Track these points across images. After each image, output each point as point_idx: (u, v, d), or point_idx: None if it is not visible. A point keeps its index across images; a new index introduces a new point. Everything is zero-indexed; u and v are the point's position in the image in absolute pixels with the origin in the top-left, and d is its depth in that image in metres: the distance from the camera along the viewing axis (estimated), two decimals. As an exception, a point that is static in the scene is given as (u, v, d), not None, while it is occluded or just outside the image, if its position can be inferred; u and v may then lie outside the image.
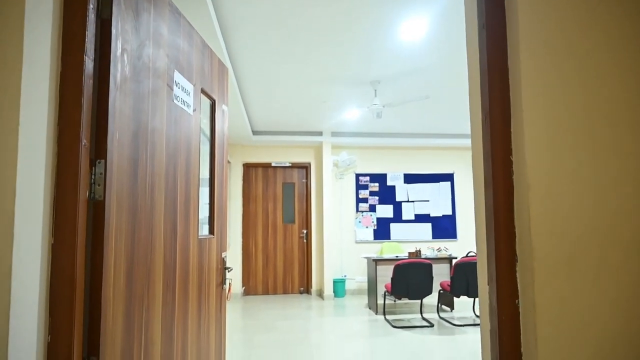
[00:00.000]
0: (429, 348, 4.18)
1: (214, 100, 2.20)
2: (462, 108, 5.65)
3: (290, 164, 7.27)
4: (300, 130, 6.80)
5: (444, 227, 7.44)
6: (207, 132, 2.21)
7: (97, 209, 1.23)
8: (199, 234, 1.96)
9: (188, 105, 1.84)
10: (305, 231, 7.27)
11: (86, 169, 1.18)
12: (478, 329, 4.90)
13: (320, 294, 7.00)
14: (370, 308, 5.99)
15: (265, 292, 7.13)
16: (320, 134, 6.91)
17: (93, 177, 1.22)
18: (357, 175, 7.35)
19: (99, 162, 1.24)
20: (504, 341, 1.20)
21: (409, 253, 5.87)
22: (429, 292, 5.08)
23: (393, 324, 5.08)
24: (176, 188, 1.72)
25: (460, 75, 4.45)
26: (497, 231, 1.22)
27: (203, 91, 2.03)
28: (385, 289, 5.39)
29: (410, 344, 4.28)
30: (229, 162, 6.68)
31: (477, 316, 5.49)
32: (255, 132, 6.77)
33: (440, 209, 7.45)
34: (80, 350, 1.14)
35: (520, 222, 1.21)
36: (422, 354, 3.98)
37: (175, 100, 1.71)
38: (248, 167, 7.26)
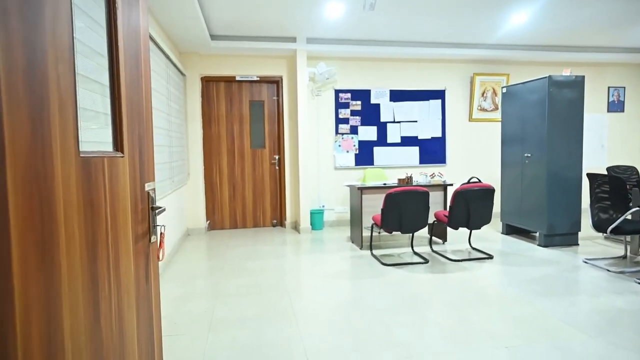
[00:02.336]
0: (428, 289, 3.52)
1: None
2: (467, 7, 4.60)
3: (258, 78, 6.15)
4: (269, 36, 5.62)
5: (433, 151, 6.67)
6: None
7: None
8: (83, 150, 1.00)
9: None
10: (277, 157, 6.35)
11: None
12: (477, 263, 4.29)
13: (296, 227, 6.26)
14: (353, 242, 5.31)
15: (234, 226, 6.33)
16: (293, 40, 5.75)
17: None
18: (337, 92, 6.33)
19: None
20: None
21: (399, 180, 5.10)
22: (424, 224, 4.37)
23: (382, 261, 4.41)
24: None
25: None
26: None
27: None
28: (372, 222, 4.65)
29: (406, 285, 3.61)
30: (183, 74, 5.52)
31: (474, 248, 4.89)
32: (214, 37, 5.54)
33: (429, 131, 6.63)
34: None
35: None
36: (422, 296, 3.31)
37: None
38: (207, 82, 6.09)
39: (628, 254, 4.55)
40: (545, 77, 4.76)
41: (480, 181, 4.73)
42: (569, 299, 3.27)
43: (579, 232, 5.00)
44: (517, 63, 6.82)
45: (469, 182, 4.69)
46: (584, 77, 4.81)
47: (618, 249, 4.78)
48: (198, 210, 5.94)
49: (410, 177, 5.09)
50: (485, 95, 6.72)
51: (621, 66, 7.15)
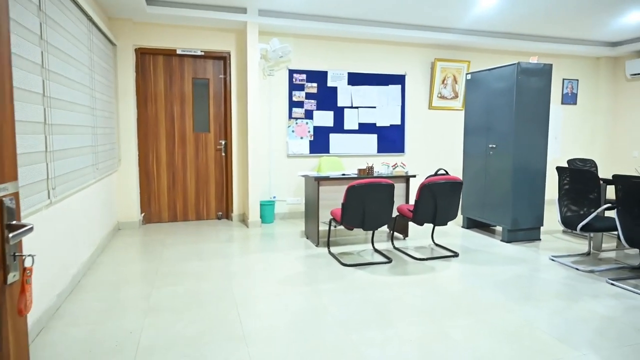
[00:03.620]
0: (397, 295, 3.12)
1: None
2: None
3: (202, 53, 5.44)
4: (216, 4, 4.92)
5: (392, 139, 6.30)
6: None
7: None
8: None
9: None
10: (223, 142, 5.71)
11: None
12: (443, 262, 3.97)
13: (244, 220, 5.68)
14: (308, 238, 4.82)
15: (173, 218, 5.63)
16: (244, 10, 5.09)
17: None
18: (291, 72, 5.77)
19: None
20: None
21: (359, 170, 4.66)
22: (389, 220, 3.97)
23: (342, 261, 3.96)
24: None
25: None
26: None
27: None
28: (331, 217, 4.19)
29: (371, 291, 3.19)
30: (112, 43, 4.72)
31: (437, 245, 4.58)
32: (150, 1, 4.76)
33: (388, 118, 6.25)
34: None
35: None
36: (391, 305, 2.90)
37: None
38: (143, 54, 5.30)
39: (591, 250, 4.42)
40: (514, 64, 4.48)
41: (447, 173, 4.40)
42: (548, 306, 2.99)
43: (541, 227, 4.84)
44: (478, 50, 6.59)
45: (435, 174, 4.35)
46: (551, 65, 4.59)
47: (579, 244, 4.66)
48: (131, 202, 5.19)
49: (372, 168, 4.67)
50: (445, 82, 6.44)
51: (575, 58, 7.14)
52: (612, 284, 3.43)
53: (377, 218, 3.89)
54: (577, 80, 7.15)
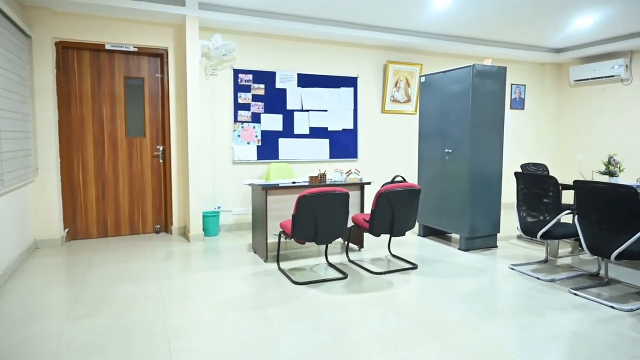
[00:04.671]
0: (355, 318, 2.79)
1: None
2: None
3: (136, 49, 4.89)
4: (149, -6, 4.42)
5: (344, 144, 6.02)
6: None
7: None
8: None
9: None
10: (161, 148, 5.17)
11: None
12: (402, 275, 3.70)
13: (185, 233, 5.16)
14: (256, 252, 4.41)
15: (103, 234, 5.01)
16: (182, 3, 4.62)
17: None
18: (236, 72, 5.34)
19: None
20: None
21: (311, 178, 4.31)
22: (343, 232, 3.65)
23: (293, 278, 3.59)
24: None
25: None
26: None
27: None
28: (280, 230, 3.80)
29: (326, 314, 2.84)
30: (26, 35, 4.10)
31: (394, 256, 4.32)
32: (71, -12, 4.19)
33: (340, 122, 5.96)
34: None
35: None
36: (350, 331, 2.56)
37: None
38: (65, 49, 4.68)
39: (549, 257, 4.33)
40: (470, 66, 4.33)
41: (405, 180, 4.16)
42: (516, 322, 2.77)
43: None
44: (430, 53, 6.47)
45: (392, 181, 4.09)
46: (505, 68, 4.48)
47: (535, 251, 4.57)
48: (51, 216, 4.54)
49: (324, 175, 4.34)
50: (398, 85, 6.25)
51: (523, 64, 7.22)
52: (575, 294, 3.29)
53: (331, 230, 3.55)
54: (525, 85, 7.24)
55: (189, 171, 4.87)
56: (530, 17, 5.11)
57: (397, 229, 3.79)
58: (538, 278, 3.66)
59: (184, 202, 5.20)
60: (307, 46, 5.70)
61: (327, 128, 5.88)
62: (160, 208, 5.24)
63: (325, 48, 5.81)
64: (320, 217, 3.45)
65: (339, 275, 3.71)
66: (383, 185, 3.74)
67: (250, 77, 5.39)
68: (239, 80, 5.34)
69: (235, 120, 5.37)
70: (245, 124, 5.42)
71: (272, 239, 4.78)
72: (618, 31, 5.72)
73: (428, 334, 2.58)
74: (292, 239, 3.54)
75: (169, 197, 5.17)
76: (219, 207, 5.39)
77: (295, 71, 5.63)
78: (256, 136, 5.48)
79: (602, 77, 6.44)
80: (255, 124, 5.46)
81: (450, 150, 4.63)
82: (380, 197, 3.65)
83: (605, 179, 4.19)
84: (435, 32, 5.86)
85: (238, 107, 5.37)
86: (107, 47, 4.78)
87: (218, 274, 3.71)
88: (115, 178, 4.99)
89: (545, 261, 4.19)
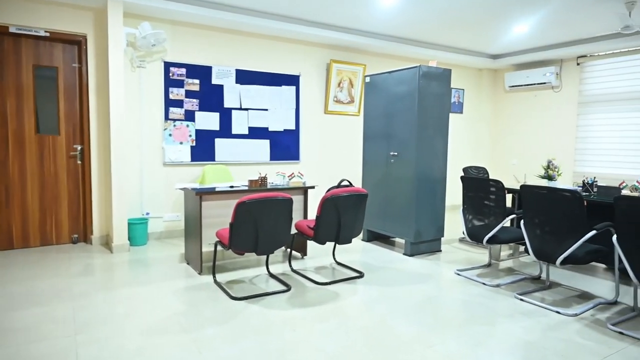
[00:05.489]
0: (301, 336, 2.52)
1: None
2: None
3: (48, 34, 4.29)
4: (63, -29, 3.87)
5: (286, 145, 5.73)
6: None
7: None
8: None
9: None
10: (79, 147, 4.58)
11: None
12: (349, 285, 3.49)
13: (107, 243, 4.61)
14: (189, 263, 3.99)
15: (7, 246, 4.33)
16: (103, -16, 4.11)
17: None
18: (168, 65, 4.87)
19: None
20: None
21: (250, 182, 3.98)
22: (287, 240, 3.36)
23: (231, 293, 3.24)
24: None
25: None
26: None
27: None
28: (217, 239, 3.44)
29: (269, 334, 2.54)
30: None
31: (339, 263, 4.11)
32: (-36, -43, 3.54)
33: (281, 122, 5.67)
34: None
35: None
36: (297, 354, 2.28)
37: None
38: (-42, 29, 3.98)
39: (491, 260, 4.33)
40: (416, 67, 4.22)
41: (351, 184, 3.95)
42: (468, 334, 2.64)
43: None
44: (373, 54, 6.37)
45: (339, 185, 3.87)
46: (450, 70, 4.44)
47: (478, 254, 4.56)
48: (-61, 227, 3.82)
49: (265, 178, 4.03)
50: (341, 85, 6.08)
51: (462, 68, 7.35)
52: (521, 300, 3.25)
53: (273, 240, 3.25)
54: (463, 89, 7.37)
55: (111, 173, 4.34)
56: (470, 22, 5.14)
57: (343, 236, 3.57)
58: (484, 284, 3.60)
59: (106, 208, 4.64)
60: (247, 40, 5.35)
61: (267, 128, 5.56)
62: (78, 215, 4.64)
63: (266, 43, 5.49)
64: (261, 225, 3.14)
65: (282, 287, 3.42)
66: (329, 190, 3.51)
67: (183, 71, 4.94)
68: (171, 74, 4.88)
69: (167, 118, 4.90)
70: (177, 122, 4.96)
71: (207, 248, 4.40)
72: (549, 40, 5.95)
73: (379, 353, 2.37)
74: (230, 249, 3.19)
75: (89, 202, 4.59)
76: (147, 214, 4.89)
77: (233, 67, 5.26)
78: (190, 135, 5.04)
79: (534, 84, 6.70)
80: (189, 123, 5.02)
81: (396, 153, 4.50)
82: (325, 203, 3.41)
83: (545, 182, 4.26)
84: (379, 32, 5.75)
85: (170, 103, 4.90)
86: (12, 30, 4.13)
87: (144, 290, 3.27)
88: (23, 181, 4.33)
89: (489, 265, 4.18)
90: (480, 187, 3.71)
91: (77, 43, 4.47)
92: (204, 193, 3.67)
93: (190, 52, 5.00)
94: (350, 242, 3.65)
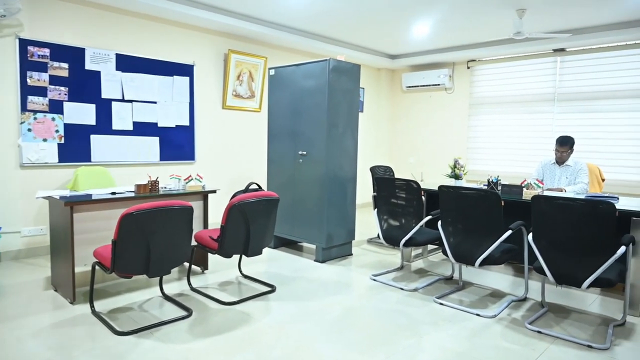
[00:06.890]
0: (208, 382, 2.04)
1: None
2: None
3: None
4: None
5: (179, 143, 5.07)
6: None
7: None
8: None
9: None
10: None
11: None
12: (260, 303, 3.07)
13: (-60, 270, 3.55)
14: (57, 290, 3.20)
15: None
16: None
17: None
18: (24, 43, 3.92)
19: None
20: None
21: (138, 186, 3.33)
22: (186, 256, 2.82)
23: (115, 326, 2.61)
24: None
25: None
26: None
27: None
28: (95, 260, 2.76)
29: (168, 383, 2.02)
30: None
31: (246, 277, 3.65)
32: None
33: (173, 117, 4.99)
34: None
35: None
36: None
37: None
38: None
39: (404, 262, 4.23)
40: (325, 60, 3.94)
41: (260, 188, 3.52)
42: (398, 350, 2.40)
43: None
44: (276, 47, 5.98)
45: (246, 189, 3.41)
46: (359, 66, 4.24)
47: (388, 256, 4.46)
48: None
49: (156, 182, 3.40)
50: (241, 78, 5.58)
51: (363, 67, 7.32)
52: (441, 304, 3.14)
53: (169, 258, 2.69)
54: (364, 88, 7.35)
55: (-57, 179, 3.32)
56: (376, 21, 5.03)
57: (253, 248, 3.13)
58: (402, 289, 3.45)
59: (-63, 223, 3.57)
60: (131, 21, 4.58)
61: (156, 124, 4.84)
62: None
63: (154, 26, 4.77)
64: (154, 241, 2.57)
65: (181, 312, 2.87)
66: (235, 195, 3.04)
67: (47, 51, 4.03)
68: (29, 55, 3.94)
69: (24, 109, 3.95)
70: (39, 115, 4.03)
71: (82, 268, 3.63)
72: (443, 43, 6.14)
73: (309, 390, 2.01)
74: (114, 272, 2.56)
75: None
76: (-1, 228, 3.89)
77: (113, 50, 4.46)
78: (57, 131, 4.14)
79: (430, 85, 6.91)
80: (55, 115, 4.12)
81: (305, 152, 4.18)
82: (232, 210, 2.94)
83: (452, 182, 4.29)
84: (283, 24, 5.37)
85: (28, 90, 3.96)
86: None
87: (-9, 335, 2.48)
88: None
89: (402, 267, 4.08)
90: (394, 187, 3.55)
91: None
92: (75, 202, 2.94)
93: (56, 29, 4.10)
94: (260, 253, 3.22)
